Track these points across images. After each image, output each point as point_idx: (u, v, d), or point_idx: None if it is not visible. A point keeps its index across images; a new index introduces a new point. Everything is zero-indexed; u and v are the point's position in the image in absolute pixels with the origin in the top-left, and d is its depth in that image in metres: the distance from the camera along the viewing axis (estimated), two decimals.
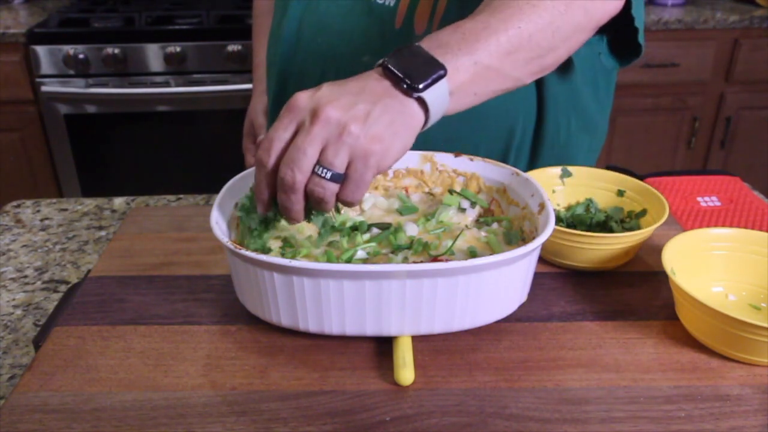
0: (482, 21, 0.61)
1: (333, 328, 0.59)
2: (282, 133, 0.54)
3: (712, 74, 2.20)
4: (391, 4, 0.82)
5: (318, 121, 0.52)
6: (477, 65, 0.59)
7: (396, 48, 0.57)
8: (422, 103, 0.56)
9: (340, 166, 0.53)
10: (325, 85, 0.55)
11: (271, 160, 0.55)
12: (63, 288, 0.77)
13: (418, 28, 0.82)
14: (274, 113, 0.98)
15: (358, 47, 0.85)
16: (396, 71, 0.56)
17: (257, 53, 1.13)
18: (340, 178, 0.54)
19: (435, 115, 0.58)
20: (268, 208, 0.58)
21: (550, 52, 0.65)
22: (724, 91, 2.23)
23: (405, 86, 0.55)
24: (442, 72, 0.56)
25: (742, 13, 2.15)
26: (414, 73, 0.55)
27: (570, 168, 0.81)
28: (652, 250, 0.75)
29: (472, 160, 0.75)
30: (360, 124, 0.52)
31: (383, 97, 0.55)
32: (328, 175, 0.53)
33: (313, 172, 0.53)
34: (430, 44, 0.58)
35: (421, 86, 0.55)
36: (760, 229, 0.74)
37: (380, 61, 0.57)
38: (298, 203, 0.55)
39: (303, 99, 0.54)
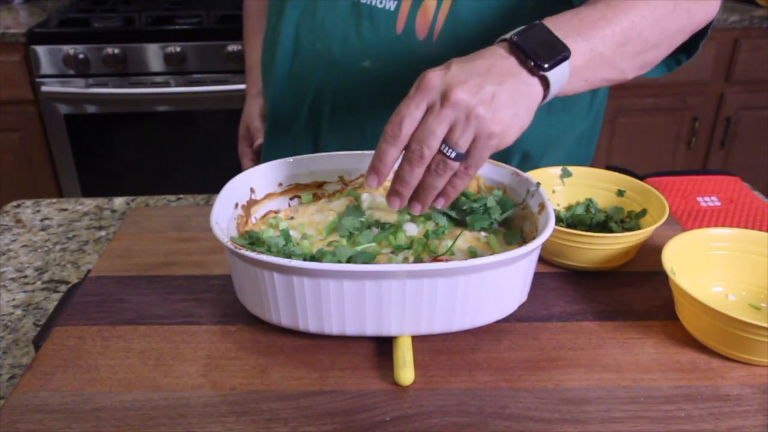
0: (600, 10, 0.64)
1: (333, 328, 0.59)
2: (414, 111, 0.57)
3: (712, 74, 2.20)
4: (392, 9, 0.82)
5: (449, 104, 0.55)
6: (592, 51, 0.62)
7: (522, 28, 0.60)
8: (544, 81, 0.59)
9: (464, 146, 0.57)
10: (455, 64, 0.58)
11: (402, 136, 0.58)
12: (63, 288, 0.77)
13: (420, 32, 0.82)
14: (273, 119, 0.97)
15: (358, 52, 0.85)
16: (523, 48, 0.58)
17: (250, 54, 1.11)
18: (463, 158, 0.57)
19: (552, 94, 0.61)
20: (382, 182, 0.60)
21: (654, 49, 0.68)
22: (724, 91, 2.23)
23: (532, 64, 0.58)
24: (566, 53, 0.59)
25: (742, 13, 2.15)
26: (541, 52, 0.58)
27: (570, 168, 0.81)
28: (652, 250, 0.75)
29: None
30: (487, 106, 0.56)
31: (509, 77, 0.58)
32: (453, 154, 0.57)
33: (439, 151, 0.57)
34: (552, 24, 0.61)
35: (546, 65, 0.58)
36: (760, 229, 0.74)
37: (507, 36, 0.60)
38: (418, 177, 0.59)
39: (435, 79, 0.57)
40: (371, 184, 0.60)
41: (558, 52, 0.59)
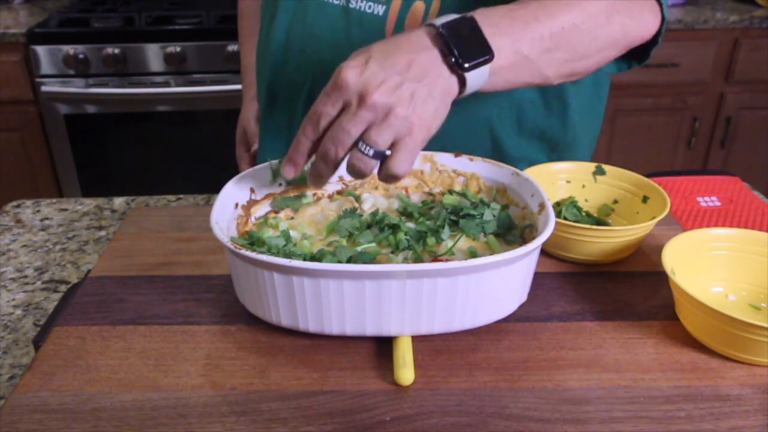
0: (532, 12, 0.63)
1: (333, 328, 0.59)
2: (329, 109, 0.57)
3: (712, 74, 2.20)
4: (380, 14, 0.82)
5: (365, 106, 0.55)
6: (517, 54, 0.61)
7: (454, 17, 0.59)
8: (462, 80, 0.59)
9: (383, 144, 0.56)
10: (374, 57, 0.57)
11: (318, 132, 0.58)
12: (63, 288, 0.77)
13: None
14: (266, 124, 0.97)
15: (347, 57, 0.84)
16: (449, 43, 0.57)
17: (245, 56, 1.11)
18: (383, 156, 0.57)
19: (467, 92, 0.60)
20: (298, 173, 0.62)
21: (583, 59, 0.67)
22: (724, 91, 2.23)
23: (453, 61, 0.58)
24: (488, 57, 0.59)
25: (742, 13, 2.15)
26: (465, 51, 0.58)
27: (605, 166, 0.81)
28: (652, 250, 0.75)
29: (472, 160, 0.75)
30: (406, 105, 0.55)
31: (428, 74, 0.57)
32: (371, 152, 0.56)
33: (357, 148, 0.57)
34: (481, 21, 0.60)
35: (467, 65, 0.58)
36: (760, 229, 0.74)
37: (436, 23, 0.59)
38: (331, 173, 0.59)
39: (351, 77, 0.56)
40: (287, 173, 0.61)
41: (481, 53, 0.58)
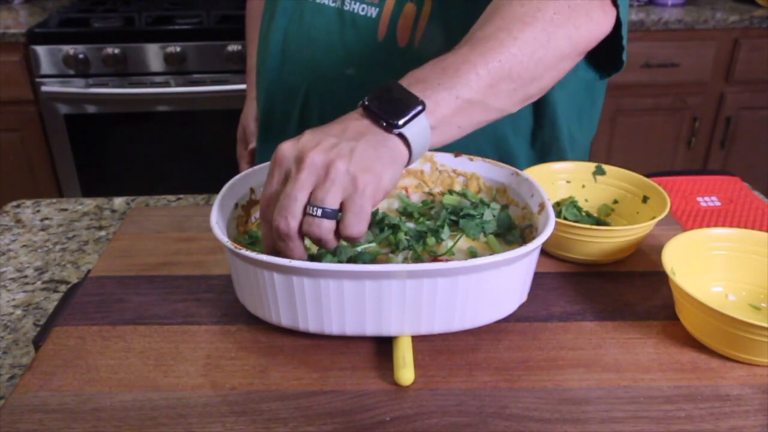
0: (462, 55, 0.60)
1: (333, 328, 0.59)
2: (275, 187, 0.55)
3: (712, 74, 2.20)
4: (373, 16, 0.82)
5: (303, 167, 0.53)
6: (459, 99, 0.58)
7: (376, 88, 0.58)
8: (404, 138, 0.56)
9: (331, 203, 0.53)
10: (307, 132, 0.56)
11: (268, 215, 0.56)
12: (63, 288, 0.77)
13: (401, 40, 0.81)
14: (264, 123, 0.97)
15: (342, 60, 0.85)
16: (374, 110, 0.56)
17: (250, 56, 1.11)
18: (335, 215, 0.54)
19: (418, 150, 0.57)
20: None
21: (533, 82, 0.64)
22: (724, 91, 2.23)
23: (384, 123, 0.55)
24: (420, 108, 0.56)
25: (742, 13, 2.15)
26: (392, 109, 0.56)
27: (605, 166, 0.81)
28: (652, 250, 0.75)
29: (471, 160, 0.75)
30: (345, 159, 0.53)
31: (365, 135, 0.55)
32: (319, 213, 0.53)
33: (306, 214, 0.54)
34: (409, 81, 0.58)
35: (400, 122, 0.55)
36: (760, 229, 0.74)
37: (360, 102, 0.57)
38: (297, 249, 0.56)
39: (287, 149, 0.55)
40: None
41: (411, 108, 0.56)
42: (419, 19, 0.80)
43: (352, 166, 0.53)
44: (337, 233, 0.55)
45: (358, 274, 0.56)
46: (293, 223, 0.54)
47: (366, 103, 0.57)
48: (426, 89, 0.58)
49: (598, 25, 0.67)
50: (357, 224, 0.54)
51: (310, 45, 0.86)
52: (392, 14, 0.81)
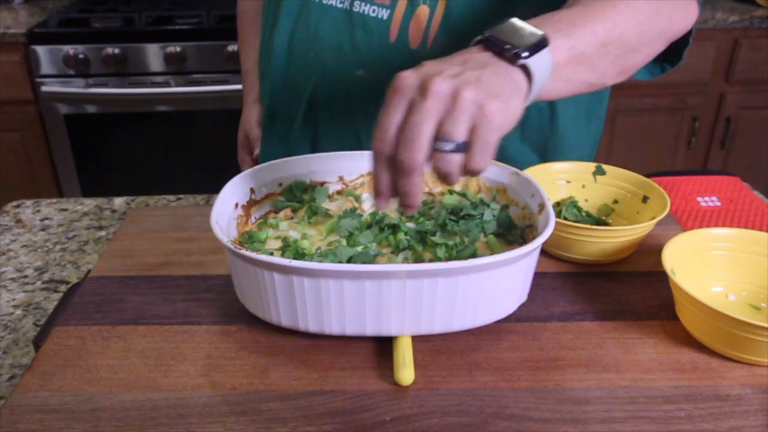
0: (578, 10, 0.61)
1: (333, 328, 0.59)
2: (394, 117, 0.51)
3: (712, 74, 2.20)
4: (385, 18, 0.81)
5: (429, 95, 0.49)
6: (573, 49, 0.58)
7: (493, 25, 0.56)
8: (526, 71, 0.54)
9: (461, 135, 0.50)
10: (427, 63, 0.53)
11: (387, 147, 0.51)
12: (63, 288, 0.77)
13: (413, 41, 0.81)
14: (268, 127, 0.97)
15: (351, 61, 0.84)
16: (499, 41, 0.54)
17: (245, 59, 1.09)
18: (465, 147, 0.50)
19: (537, 86, 0.55)
20: (389, 199, 0.54)
21: (633, 53, 0.65)
22: (724, 91, 2.23)
23: (510, 54, 0.53)
24: (545, 41, 0.55)
25: (742, 13, 2.15)
26: (517, 41, 0.54)
27: (604, 166, 0.81)
28: (652, 250, 0.75)
29: None
30: (473, 87, 0.50)
31: (489, 64, 0.53)
32: (451, 147, 0.50)
33: (435, 149, 0.50)
34: (527, 21, 0.57)
35: (525, 54, 0.53)
36: (760, 229, 0.74)
37: (480, 36, 0.56)
38: (420, 185, 0.52)
39: (408, 77, 0.51)
40: (380, 207, 0.55)
41: (536, 38, 0.54)
42: (432, 20, 0.80)
43: (480, 93, 0.50)
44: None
45: (358, 274, 0.56)
46: (420, 157, 0.50)
47: (487, 34, 0.55)
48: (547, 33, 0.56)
49: (688, 15, 0.70)
50: (485, 158, 0.51)
51: (317, 46, 0.86)
52: (404, 16, 0.81)
